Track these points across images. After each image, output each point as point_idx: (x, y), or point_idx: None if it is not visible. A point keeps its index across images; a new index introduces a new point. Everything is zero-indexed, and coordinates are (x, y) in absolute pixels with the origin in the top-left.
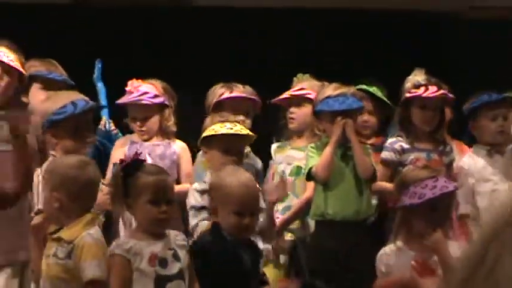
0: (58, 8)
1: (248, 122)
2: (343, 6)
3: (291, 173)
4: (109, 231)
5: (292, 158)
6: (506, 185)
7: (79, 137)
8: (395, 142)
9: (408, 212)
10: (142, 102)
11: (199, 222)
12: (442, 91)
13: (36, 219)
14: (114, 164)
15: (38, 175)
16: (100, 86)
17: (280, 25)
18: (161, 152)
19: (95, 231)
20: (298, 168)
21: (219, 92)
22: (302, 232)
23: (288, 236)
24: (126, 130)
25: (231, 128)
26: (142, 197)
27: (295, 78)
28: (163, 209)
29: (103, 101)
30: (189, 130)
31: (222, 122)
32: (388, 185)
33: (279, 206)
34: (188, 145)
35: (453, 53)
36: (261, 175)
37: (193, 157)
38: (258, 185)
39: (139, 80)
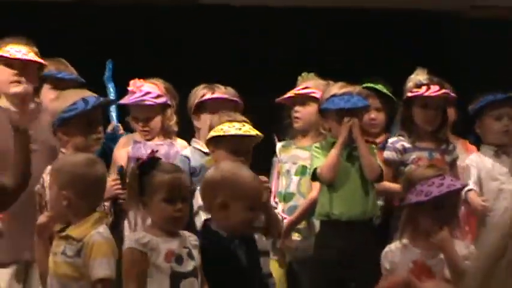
0: (61, 6)
1: None
2: (345, 5)
3: (296, 173)
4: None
5: (297, 157)
6: None
7: (91, 133)
8: (397, 141)
9: (415, 209)
10: (145, 103)
11: None
12: (444, 90)
13: (42, 218)
14: (120, 167)
15: (48, 173)
16: (111, 87)
17: (282, 24)
18: (165, 152)
19: (104, 229)
20: (304, 167)
21: (201, 93)
22: (308, 232)
23: (296, 236)
24: (127, 129)
25: (240, 129)
26: (157, 195)
27: (299, 78)
28: (178, 207)
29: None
30: (190, 129)
31: (230, 121)
32: (392, 185)
33: (285, 206)
34: (189, 144)
35: (454, 52)
36: None
37: None
38: None
39: (142, 80)
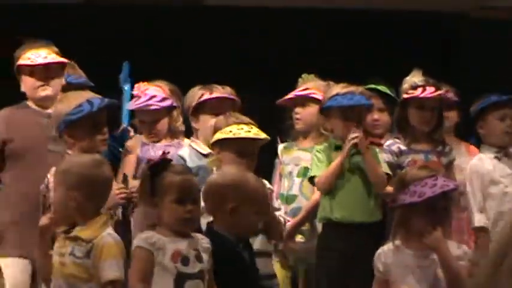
0: (66, 7)
1: None
2: (346, 5)
3: (298, 174)
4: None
5: (299, 159)
6: None
7: (97, 134)
8: (393, 144)
9: (408, 210)
10: (151, 108)
11: None
12: (439, 92)
13: (44, 220)
14: (124, 176)
15: (53, 174)
16: (127, 89)
17: (282, 24)
18: (173, 153)
19: (112, 231)
20: (306, 169)
21: (199, 93)
22: (311, 234)
23: (299, 238)
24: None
25: (249, 131)
26: (168, 196)
27: (300, 79)
28: (188, 208)
29: (126, 103)
30: (186, 130)
31: (238, 123)
32: (389, 188)
33: (288, 208)
34: None
35: (462, 52)
36: None
37: None
38: None
39: (146, 83)
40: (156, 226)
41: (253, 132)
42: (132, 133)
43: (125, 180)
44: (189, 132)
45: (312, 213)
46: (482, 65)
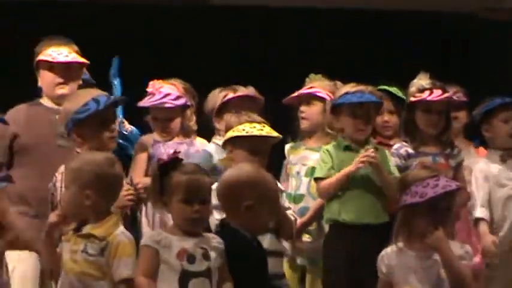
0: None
1: None
2: (345, 5)
3: (306, 174)
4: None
5: (306, 158)
6: None
7: (105, 132)
8: (401, 147)
9: (410, 211)
10: (165, 105)
11: None
12: (446, 94)
13: (53, 218)
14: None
15: (62, 172)
16: (116, 84)
17: (282, 24)
18: (184, 151)
19: (125, 230)
20: (313, 168)
21: (222, 94)
22: (318, 233)
23: (306, 237)
24: (142, 128)
25: (262, 129)
26: (175, 196)
27: (307, 79)
28: (195, 208)
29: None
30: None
31: (250, 122)
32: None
33: (295, 207)
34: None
35: (471, 53)
36: None
37: None
38: None
39: (160, 81)
40: None
41: (266, 130)
42: (127, 125)
43: (132, 184)
44: (209, 133)
45: (319, 213)
46: (483, 66)
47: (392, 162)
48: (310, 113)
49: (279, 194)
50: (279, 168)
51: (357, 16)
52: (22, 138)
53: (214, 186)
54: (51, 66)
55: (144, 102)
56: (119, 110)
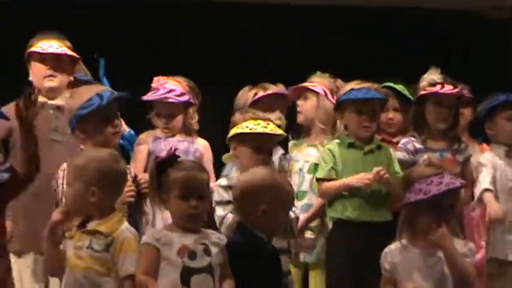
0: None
1: (283, 118)
2: (346, 3)
3: (308, 170)
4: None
5: (309, 155)
6: None
7: (108, 128)
8: (409, 142)
9: (413, 209)
10: (169, 100)
11: (228, 214)
12: (457, 89)
13: (56, 215)
14: (134, 175)
15: (64, 169)
16: (105, 83)
17: (283, 22)
18: (185, 148)
19: (129, 226)
20: (316, 165)
21: (252, 92)
22: (321, 230)
23: (308, 234)
24: (143, 126)
25: (266, 127)
26: (172, 192)
27: (313, 77)
28: (192, 204)
29: None
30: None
31: (255, 119)
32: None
33: (298, 204)
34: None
35: (472, 51)
36: None
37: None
38: None
39: (165, 77)
40: None
41: (270, 128)
42: (124, 126)
43: (135, 180)
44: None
45: (322, 209)
46: (485, 64)
47: (397, 160)
48: (304, 108)
49: (294, 195)
50: None
51: (359, 13)
52: (17, 133)
53: (219, 182)
54: (42, 58)
55: (148, 96)
56: None
